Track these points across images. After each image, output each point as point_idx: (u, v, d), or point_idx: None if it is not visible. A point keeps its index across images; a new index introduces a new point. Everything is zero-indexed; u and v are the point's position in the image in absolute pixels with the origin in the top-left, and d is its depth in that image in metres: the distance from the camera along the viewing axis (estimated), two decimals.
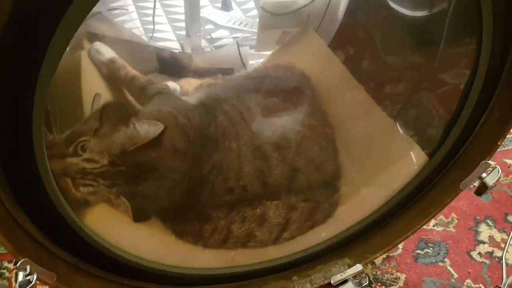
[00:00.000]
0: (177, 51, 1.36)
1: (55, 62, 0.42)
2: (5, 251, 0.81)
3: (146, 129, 0.60)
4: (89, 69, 0.77)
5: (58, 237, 0.56)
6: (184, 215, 0.68)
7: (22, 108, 0.45)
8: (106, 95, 0.75)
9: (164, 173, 0.64)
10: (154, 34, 1.40)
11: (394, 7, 0.88)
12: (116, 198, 0.62)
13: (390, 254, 0.85)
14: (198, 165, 0.68)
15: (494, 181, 0.70)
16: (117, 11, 1.30)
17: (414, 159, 0.73)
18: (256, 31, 1.44)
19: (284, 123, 0.75)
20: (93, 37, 0.81)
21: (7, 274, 0.78)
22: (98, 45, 0.80)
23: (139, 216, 0.63)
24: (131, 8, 1.56)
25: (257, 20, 1.53)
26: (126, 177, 0.61)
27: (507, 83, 0.64)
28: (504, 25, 0.59)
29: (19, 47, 0.42)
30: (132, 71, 0.81)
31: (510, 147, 1.10)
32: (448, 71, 0.78)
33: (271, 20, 0.99)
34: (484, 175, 0.70)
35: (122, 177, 0.61)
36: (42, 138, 0.47)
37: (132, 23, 1.48)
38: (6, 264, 0.80)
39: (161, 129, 0.60)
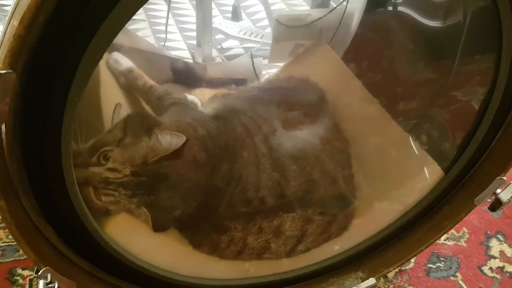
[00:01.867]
0: (189, 60, 1.37)
1: (89, 73, 0.43)
2: (19, 258, 0.81)
3: (169, 140, 0.60)
4: (108, 79, 0.78)
5: (79, 246, 0.57)
6: (202, 225, 0.69)
7: (52, 119, 0.46)
8: (124, 105, 0.76)
9: (183, 184, 0.65)
10: (166, 43, 1.41)
11: (409, 20, 0.89)
12: (136, 208, 0.62)
13: (402, 268, 0.85)
14: (217, 176, 0.68)
15: (509, 197, 0.70)
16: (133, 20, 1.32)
17: (429, 174, 0.73)
18: (267, 41, 1.46)
19: (301, 136, 0.76)
20: (111, 47, 0.82)
21: (20, 281, 0.78)
22: (116, 55, 0.81)
23: (158, 226, 0.64)
24: (142, 16, 1.58)
25: (267, 30, 1.55)
26: (147, 188, 0.62)
27: None
28: None
29: (52, 59, 0.42)
30: (150, 81, 0.82)
31: None
32: (461, 88, 0.78)
33: (285, 32, 1.00)
34: (498, 191, 0.70)
35: (143, 187, 0.61)
36: (70, 148, 0.47)
37: (143, 31, 1.49)
38: (19, 271, 0.80)
39: (183, 140, 0.60)
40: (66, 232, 0.55)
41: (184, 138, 0.60)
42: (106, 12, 0.40)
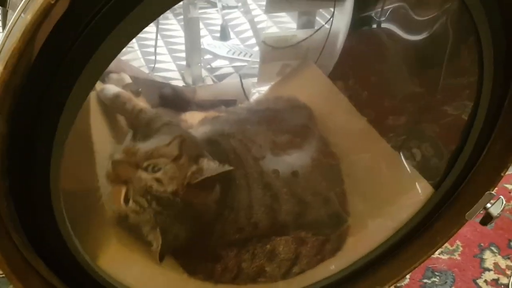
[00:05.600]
0: (179, 81, 1.38)
1: (74, 114, 0.44)
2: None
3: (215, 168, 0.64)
4: (97, 108, 0.78)
5: (72, 280, 0.57)
6: (196, 253, 0.69)
7: (39, 159, 0.46)
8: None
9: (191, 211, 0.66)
10: (155, 65, 1.42)
11: (394, 36, 0.90)
12: (151, 229, 0.63)
13: (398, 285, 0.85)
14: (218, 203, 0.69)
15: (499, 211, 0.71)
16: None
17: (420, 190, 0.74)
18: (255, 59, 1.47)
19: (291, 158, 0.76)
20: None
21: None
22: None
23: (163, 253, 0.64)
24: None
25: (255, 49, 1.56)
26: (175, 210, 0.63)
27: (509, 116, 0.66)
28: (506, 58, 0.61)
29: (38, 101, 0.43)
30: (139, 104, 0.81)
31: (510, 172, 1.11)
32: (450, 102, 0.79)
33: (272, 53, 1.01)
34: (488, 205, 0.71)
35: (173, 208, 0.63)
36: (59, 185, 0.48)
37: (132, 54, 1.50)
38: None
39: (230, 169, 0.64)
40: (59, 266, 0.55)
41: (231, 168, 0.64)
42: (89, 55, 0.41)
